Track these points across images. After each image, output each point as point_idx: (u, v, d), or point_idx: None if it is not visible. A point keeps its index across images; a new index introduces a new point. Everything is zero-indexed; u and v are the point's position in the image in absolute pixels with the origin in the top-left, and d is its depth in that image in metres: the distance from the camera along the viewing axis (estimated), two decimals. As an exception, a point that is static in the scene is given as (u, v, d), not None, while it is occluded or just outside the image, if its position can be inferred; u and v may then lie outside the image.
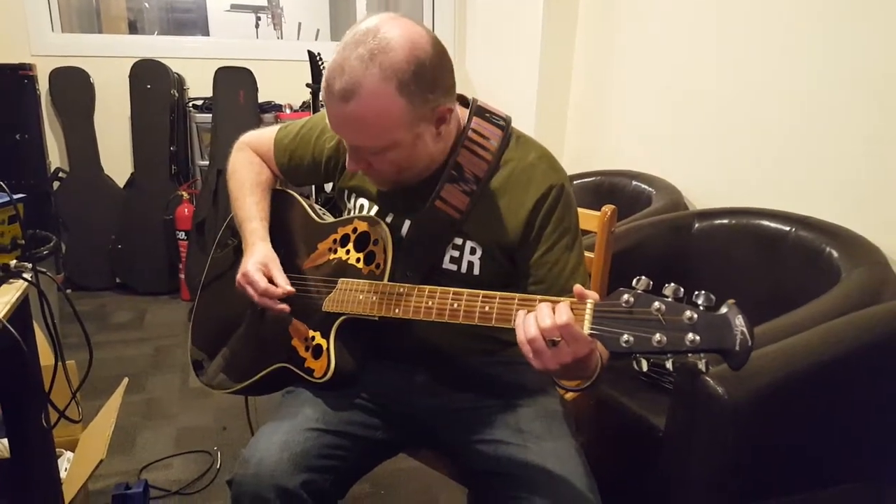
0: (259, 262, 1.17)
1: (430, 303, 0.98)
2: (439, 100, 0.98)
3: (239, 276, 1.18)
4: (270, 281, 1.15)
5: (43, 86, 3.19)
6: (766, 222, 1.79)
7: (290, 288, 1.15)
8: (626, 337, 0.78)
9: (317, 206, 1.29)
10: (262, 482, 0.98)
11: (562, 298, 0.86)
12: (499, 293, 0.90)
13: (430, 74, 0.95)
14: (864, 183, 1.73)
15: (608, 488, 1.05)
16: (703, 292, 0.75)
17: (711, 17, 2.24)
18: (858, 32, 1.73)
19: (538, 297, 0.88)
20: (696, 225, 1.92)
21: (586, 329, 0.82)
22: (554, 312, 0.84)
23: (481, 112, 1.12)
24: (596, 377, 0.93)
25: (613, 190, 2.48)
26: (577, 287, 0.85)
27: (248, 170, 1.31)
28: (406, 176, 1.07)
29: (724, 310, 0.73)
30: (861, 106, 1.73)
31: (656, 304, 0.76)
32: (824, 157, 1.84)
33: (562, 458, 1.04)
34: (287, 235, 1.26)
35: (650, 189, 2.32)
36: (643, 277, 0.78)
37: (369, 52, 0.91)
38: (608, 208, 1.40)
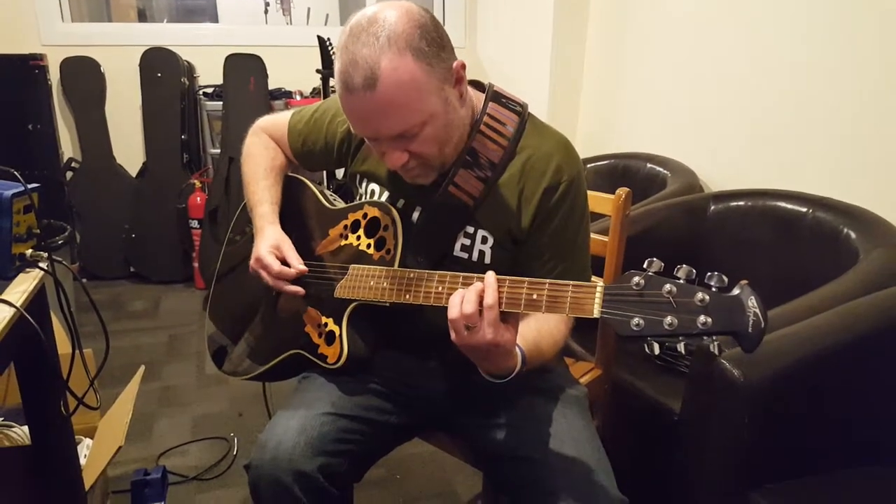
0: (271, 246, 1.17)
1: (440, 288, 0.97)
2: (451, 57, 0.97)
3: (252, 262, 1.19)
4: (284, 263, 1.16)
5: (54, 76, 3.19)
6: (782, 204, 1.77)
7: (303, 267, 1.15)
8: (636, 320, 0.76)
9: (328, 192, 1.29)
10: (280, 466, 0.99)
11: (566, 282, 0.85)
12: (508, 277, 0.90)
13: (434, 33, 0.95)
14: (883, 163, 1.70)
15: (624, 471, 1.05)
16: (715, 273, 0.74)
17: (726, -5, 2.21)
18: (880, 9, 1.69)
19: (546, 280, 0.87)
20: (712, 207, 1.90)
21: (596, 312, 0.81)
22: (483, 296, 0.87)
23: (497, 97, 1.10)
24: (512, 376, 0.95)
25: (628, 173, 2.46)
26: None
27: (262, 154, 1.31)
28: (447, 153, 1.04)
29: (736, 291, 0.72)
30: (880, 86, 1.69)
31: (667, 286, 0.75)
32: (842, 137, 1.81)
33: (577, 440, 1.04)
34: (299, 221, 1.26)
35: (665, 171, 2.30)
36: (655, 259, 0.77)
37: (373, 35, 0.91)
38: (622, 191, 1.39)
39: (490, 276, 0.89)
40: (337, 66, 0.94)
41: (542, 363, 1.06)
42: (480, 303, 0.87)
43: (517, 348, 0.95)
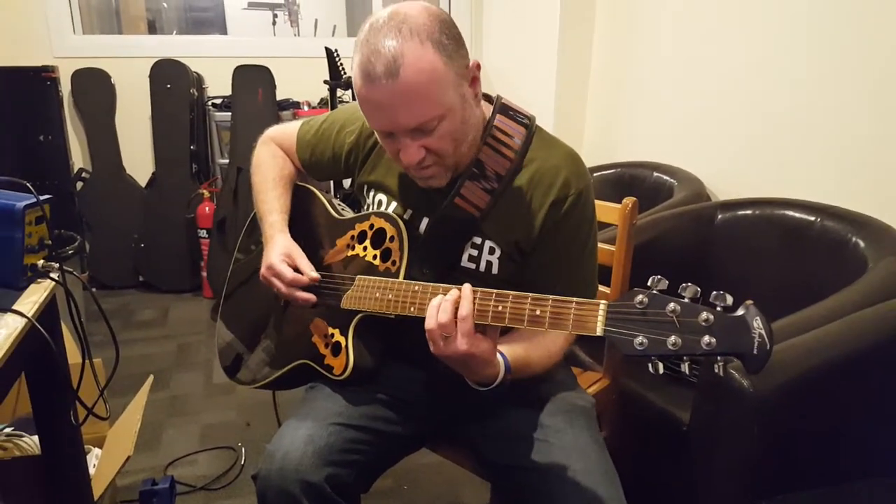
0: (282, 254, 1.17)
1: None
2: (467, 56, 0.98)
3: (263, 270, 1.19)
4: (296, 270, 1.16)
5: (65, 87, 3.23)
6: (790, 212, 1.76)
7: (315, 274, 1.15)
8: (640, 339, 0.75)
9: (336, 202, 1.30)
10: (287, 476, 0.99)
11: (570, 299, 0.84)
12: (512, 293, 0.89)
13: (453, 30, 0.96)
14: (891, 171, 1.69)
15: (631, 482, 1.04)
16: (720, 292, 0.72)
17: (732, 5, 2.21)
18: (884, 16, 1.69)
19: (549, 297, 0.86)
20: (719, 216, 1.90)
21: (599, 331, 0.80)
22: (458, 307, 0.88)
23: (505, 110, 1.11)
24: (496, 384, 0.96)
25: (634, 182, 2.46)
26: None
27: (271, 164, 1.32)
28: (462, 152, 1.04)
29: (741, 311, 0.71)
30: (886, 93, 1.69)
31: (671, 305, 0.74)
32: (849, 145, 1.80)
33: (584, 451, 1.04)
34: (307, 231, 1.26)
35: (672, 180, 2.30)
36: (661, 277, 0.76)
37: (396, 28, 0.92)
38: (629, 200, 1.39)
39: (466, 288, 0.90)
40: (357, 60, 0.95)
41: (534, 373, 1.06)
42: (456, 313, 0.88)
43: (499, 356, 0.95)
